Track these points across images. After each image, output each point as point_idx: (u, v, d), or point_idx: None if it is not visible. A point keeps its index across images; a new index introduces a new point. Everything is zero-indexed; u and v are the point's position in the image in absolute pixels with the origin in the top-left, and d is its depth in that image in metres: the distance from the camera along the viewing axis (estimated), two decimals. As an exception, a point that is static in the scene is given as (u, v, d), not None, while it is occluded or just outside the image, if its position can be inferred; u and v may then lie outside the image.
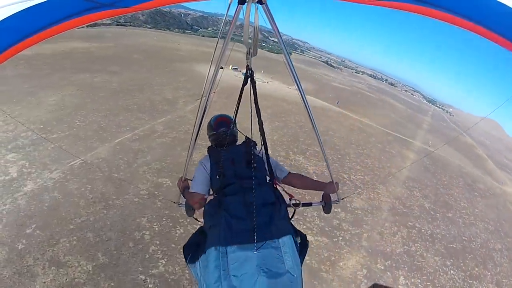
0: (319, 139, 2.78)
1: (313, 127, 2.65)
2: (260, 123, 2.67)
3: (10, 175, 8.00)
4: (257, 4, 1.68)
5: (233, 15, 1.80)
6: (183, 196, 2.90)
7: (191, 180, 2.81)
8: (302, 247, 2.51)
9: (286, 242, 2.16)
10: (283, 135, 15.10)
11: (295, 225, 2.61)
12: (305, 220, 9.25)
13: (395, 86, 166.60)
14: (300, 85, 2.33)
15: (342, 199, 3.36)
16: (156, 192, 8.61)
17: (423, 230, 10.32)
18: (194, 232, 2.66)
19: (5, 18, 1.45)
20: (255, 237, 2.05)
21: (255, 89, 2.54)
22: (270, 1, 1.70)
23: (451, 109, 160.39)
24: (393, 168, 14.80)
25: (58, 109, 13.20)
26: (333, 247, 8.51)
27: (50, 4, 1.51)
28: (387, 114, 37.92)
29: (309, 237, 8.07)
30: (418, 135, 30.04)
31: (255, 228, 2.10)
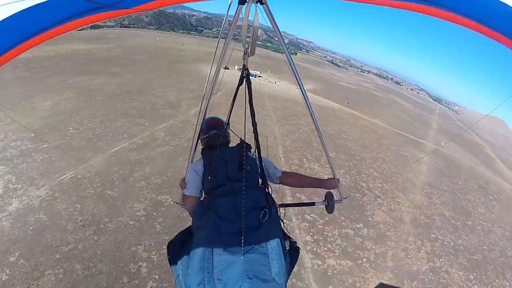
0: (320, 135, 2.76)
1: (314, 122, 2.65)
2: (254, 125, 2.65)
3: (-4, 191, 7.32)
4: (257, 4, 1.71)
5: (233, 15, 1.80)
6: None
7: None
8: (292, 254, 2.43)
9: (274, 248, 2.10)
10: (296, 140, 14.18)
11: (308, 238, 2.30)
12: (326, 240, 8.22)
13: (401, 85, 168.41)
14: (301, 81, 2.37)
15: (345, 198, 3.30)
16: (154, 213, 7.51)
17: (445, 242, 9.81)
18: (181, 230, 2.60)
19: (5, 19, 1.46)
20: (242, 242, 2.01)
21: (250, 89, 2.54)
22: (270, 1, 1.73)
23: (456, 107, 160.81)
24: (410, 173, 14.41)
25: (52, 115, 12.37)
26: (358, 271, 7.59)
27: (51, 6, 1.53)
28: (396, 114, 37.67)
29: (331, 261, 7.40)
30: (429, 136, 29.74)
31: (244, 231, 2.05)
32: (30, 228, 6.40)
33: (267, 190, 2.66)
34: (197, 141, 2.73)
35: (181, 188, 2.90)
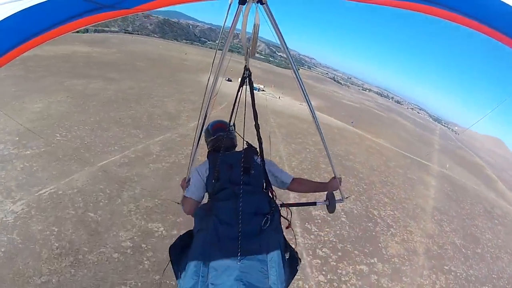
0: (320, 132, 2.78)
1: (313, 119, 2.67)
2: (257, 127, 2.67)
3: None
4: (257, 4, 1.69)
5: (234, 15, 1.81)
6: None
7: None
8: (292, 263, 2.41)
9: (274, 256, 2.07)
10: (302, 161, 13.68)
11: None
12: (340, 280, 7.39)
13: (401, 104, 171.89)
14: (302, 81, 2.30)
15: (346, 197, 3.29)
16: (143, 245, 6.51)
17: (458, 274, 9.66)
18: (181, 234, 2.58)
19: (4, 19, 1.45)
20: (239, 247, 1.99)
21: (252, 91, 2.59)
22: (270, 2, 1.72)
23: (456, 128, 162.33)
24: (419, 198, 14.36)
25: (41, 118, 11.62)
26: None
27: (51, 6, 1.53)
28: (399, 134, 38.45)
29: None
30: (432, 157, 30.12)
31: (242, 237, 2.04)
32: (2, 250, 5.56)
33: (271, 195, 2.61)
34: (198, 143, 2.68)
35: (182, 188, 2.88)
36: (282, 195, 5.63)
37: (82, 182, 8.13)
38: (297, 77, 2.29)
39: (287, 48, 2.12)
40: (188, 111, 16.70)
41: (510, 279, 10.43)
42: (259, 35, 1.87)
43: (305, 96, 2.40)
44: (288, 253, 2.41)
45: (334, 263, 7.91)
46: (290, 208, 2.90)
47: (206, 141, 3.07)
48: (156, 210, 7.73)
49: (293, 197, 8.98)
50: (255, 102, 2.64)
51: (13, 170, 7.90)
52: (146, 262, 6.09)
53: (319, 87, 71.23)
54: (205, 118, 2.53)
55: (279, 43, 2.05)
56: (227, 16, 1.88)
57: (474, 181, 25.16)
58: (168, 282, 5.40)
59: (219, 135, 2.95)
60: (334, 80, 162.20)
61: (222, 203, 2.34)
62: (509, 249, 12.72)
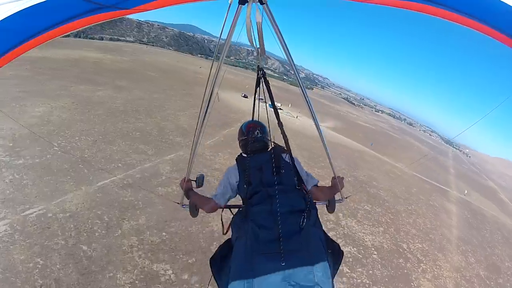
0: (319, 131, 2.79)
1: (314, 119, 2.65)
2: (280, 125, 2.68)
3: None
4: (257, 4, 1.71)
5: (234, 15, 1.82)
6: (186, 198, 2.95)
7: (195, 180, 2.94)
8: (335, 257, 2.35)
9: (316, 252, 2.05)
10: None
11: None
12: None
13: (413, 126, 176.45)
14: (305, 91, 2.38)
15: (346, 198, 3.33)
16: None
17: None
18: (221, 244, 2.49)
19: (4, 19, 1.47)
20: (281, 248, 1.99)
21: (270, 90, 2.61)
22: (270, 2, 1.76)
23: (467, 150, 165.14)
24: (444, 228, 14.42)
25: (40, 123, 10.92)
26: None
27: (51, 6, 1.56)
28: (416, 157, 39.09)
29: None
30: (450, 182, 30.58)
31: (283, 237, 2.05)
32: (-24, 278, 4.71)
33: (304, 191, 2.61)
34: (197, 145, 2.71)
35: (181, 188, 2.92)
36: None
37: (76, 204, 7.06)
38: (298, 81, 2.34)
39: (287, 48, 2.09)
40: (206, 128, 15.72)
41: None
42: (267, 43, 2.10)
43: (307, 101, 2.45)
44: (330, 248, 2.32)
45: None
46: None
47: (238, 139, 3.06)
48: (164, 247, 6.54)
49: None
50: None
51: (0, 181, 7.17)
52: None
53: (335, 108, 73.57)
54: (204, 119, 2.54)
55: (279, 43, 2.06)
56: (227, 16, 1.82)
57: (490, 206, 25.69)
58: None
59: (252, 136, 2.91)
60: (348, 101, 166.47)
61: (257, 207, 2.32)
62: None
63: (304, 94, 2.41)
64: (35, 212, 6.50)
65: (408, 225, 13.06)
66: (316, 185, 2.82)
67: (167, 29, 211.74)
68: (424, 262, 10.64)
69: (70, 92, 16.09)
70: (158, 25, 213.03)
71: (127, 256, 5.99)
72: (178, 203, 3.19)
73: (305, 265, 1.97)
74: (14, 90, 13.71)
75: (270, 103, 2.73)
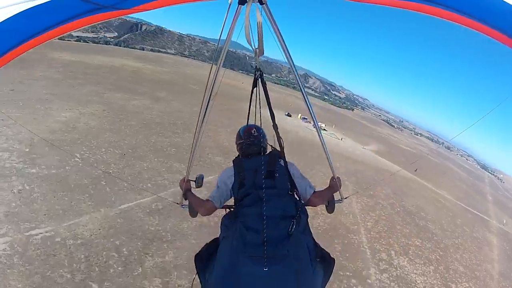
0: (318, 130, 3.03)
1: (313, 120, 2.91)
2: (275, 127, 2.94)
3: None
4: (257, 4, 1.90)
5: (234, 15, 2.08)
6: (184, 198, 3.21)
7: (194, 181, 3.25)
8: (326, 265, 2.56)
9: (302, 260, 2.27)
10: (378, 221, 12.62)
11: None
12: None
13: (451, 150, 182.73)
14: (308, 99, 2.68)
15: (345, 198, 3.60)
16: None
17: None
18: (207, 242, 2.76)
19: (5, 20, 1.63)
20: (265, 253, 2.17)
21: (266, 91, 2.85)
22: (270, 2, 1.94)
23: (501, 175, 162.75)
24: (487, 263, 13.87)
25: (64, 129, 10.64)
26: None
27: (51, 7, 1.70)
28: (456, 183, 39.95)
29: None
30: (489, 210, 30.48)
31: (270, 242, 2.23)
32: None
33: (297, 197, 2.87)
34: (196, 146, 2.99)
35: (180, 188, 3.23)
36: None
37: (91, 230, 6.26)
38: (300, 85, 2.58)
39: (287, 49, 2.28)
40: None
41: None
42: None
43: (306, 102, 2.66)
44: (319, 255, 2.49)
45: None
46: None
47: (236, 143, 3.30)
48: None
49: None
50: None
51: (8, 191, 6.73)
52: None
53: (376, 130, 75.32)
54: (203, 118, 2.77)
55: (278, 43, 2.24)
56: (226, 16, 2.00)
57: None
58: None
59: (248, 139, 3.15)
60: (387, 123, 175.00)
61: (247, 208, 2.52)
62: None
63: (303, 94, 2.58)
64: (41, 233, 5.80)
65: (456, 261, 12.44)
66: (314, 192, 2.98)
67: (208, 44, 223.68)
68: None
69: (103, 98, 16.09)
70: (200, 39, 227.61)
71: (148, 305, 5.00)
72: (177, 204, 3.41)
73: (288, 272, 2.17)
74: (41, 91, 13.76)
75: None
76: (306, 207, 2.88)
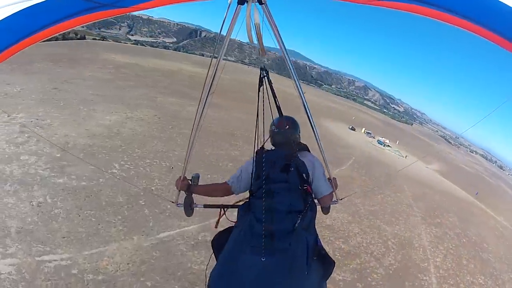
0: (315, 132, 3.12)
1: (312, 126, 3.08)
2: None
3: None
4: (257, 4, 2.02)
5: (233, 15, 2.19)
6: (189, 193, 3.33)
7: (190, 179, 3.30)
8: (325, 266, 2.71)
9: (299, 255, 2.43)
10: (446, 255, 11.98)
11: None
12: None
13: (503, 170, 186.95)
14: (303, 96, 2.90)
15: (341, 199, 3.77)
16: None
17: None
18: (222, 229, 2.97)
19: (4, 18, 1.74)
20: (263, 244, 2.37)
21: (273, 90, 3.09)
22: (270, 2, 2.05)
23: None
24: None
25: (106, 134, 10.25)
26: None
27: (49, 4, 1.81)
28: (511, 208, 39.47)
29: None
30: None
31: (275, 235, 2.45)
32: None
33: (306, 193, 2.90)
34: (195, 137, 3.08)
35: (176, 187, 3.31)
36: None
37: (118, 263, 5.33)
38: (296, 83, 2.78)
39: (285, 49, 2.43)
40: None
41: None
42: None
43: (303, 102, 2.88)
44: (317, 254, 2.61)
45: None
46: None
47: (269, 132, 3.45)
48: None
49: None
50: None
51: (26, 202, 6.27)
52: None
53: (436, 147, 76.96)
54: (201, 116, 2.89)
55: (279, 43, 2.35)
56: (226, 16, 2.13)
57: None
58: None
59: (275, 130, 3.34)
60: (445, 139, 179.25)
61: (258, 201, 2.67)
62: None
63: (296, 83, 2.79)
64: (55, 260, 5.07)
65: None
66: (327, 195, 3.11)
67: (269, 53, 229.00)
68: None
69: (155, 103, 15.90)
70: (259, 48, 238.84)
71: None
72: (172, 202, 3.49)
73: (283, 265, 2.36)
74: (87, 92, 13.74)
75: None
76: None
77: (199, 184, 3.34)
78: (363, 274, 7.77)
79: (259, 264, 2.31)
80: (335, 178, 3.47)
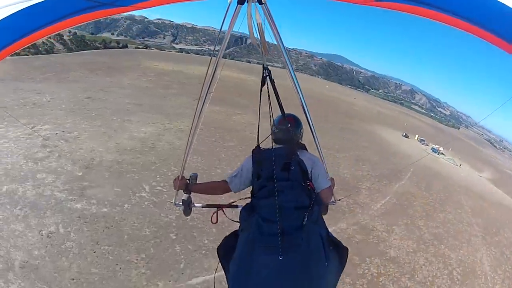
0: (314, 134, 3.11)
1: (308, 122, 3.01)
2: (286, 124, 3.16)
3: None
4: (256, 4, 2.03)
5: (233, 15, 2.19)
6: (187, 192, 3.22)
7: (188, 179, 3.19)
8: (340, 254, 2.68)
9: (315, 248, 2.36)
10: (504, 281, 10.98)
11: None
12: None
13: None
14: (301, 91, 2.78)
15: (339, 200, 3.69)
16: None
17: None
18: (227, 234, 2.84)
19: (6, 17, 1.74)
20: (280, 242, 2.28)
21: (275, 89, 3.00)
22: (269, 1, 2.04)
23: None
24: None
25: (139, 149, 9.33)
26: None
27: (49, 3, 1.80)
28: None
29: None
30: None
31: (285, 232, 2.34)
32: None
33: (310, 189, 2.88)
34: (193, 137, 2.97)
35: (174, 187, 3.20)
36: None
37: None
38: (293, 80, 2.68)
39: (284, 48, 2.40)
40: (371, 180, 13.58)
41: None
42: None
43: (302, 102, 2.80)
44: (332, 244, 2.57)
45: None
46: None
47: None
48: None
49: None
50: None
51: (35, 231, 5.65)
52: None
53: (484, 152, 74.87)
54: (200, 114, 2.79)
55: (278, 43, 2.36)
56: (225, 16, 2.11)
57: None
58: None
59: (277, 127, 3.25)
60: (490, 143, 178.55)
61: (263, 200, 2.61)
62: None
63: (292, 75, 2.66)
64: None
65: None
66: (325, 188, 3.01)
67: (315, 58, 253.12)
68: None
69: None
70: (306, 53, 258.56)
71: None
72: (171, 202, 3.45)
73: (302, 261, 2.26)
74: (123, 101, 13.12)
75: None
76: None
77: (197, 183, 3.22)
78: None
79: (277, 263, 2.22)
80: (333, 179, 3.26)
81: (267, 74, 2.84)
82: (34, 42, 2.16)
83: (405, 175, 17.43)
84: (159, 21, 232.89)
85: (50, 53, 59.68)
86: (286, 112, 3.22)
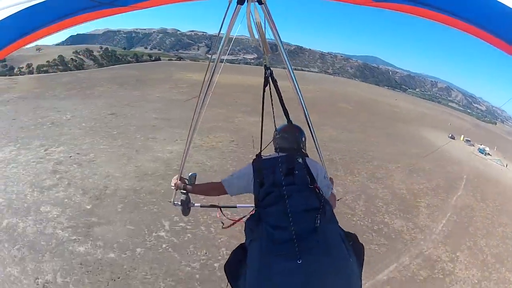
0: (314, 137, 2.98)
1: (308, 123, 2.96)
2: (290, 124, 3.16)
3: None
4: (256, 4, 2.00)
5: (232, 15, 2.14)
6: (185, 193, 3.15)
7: (187, 178, 3.10)
8: (357, 250, 2.42)
9: (335, 246, 2.20)
10: None
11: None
12: None
13: None
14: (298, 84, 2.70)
15: (338, 200, 3.38)
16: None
17: None
18: (234, 249, 2.52)
19: (7, 17, 1.74)
20: (296, 246, 2.09)
21: (278, 89, 2.86)
22: (269, 1, 2.03)
23: None
24: None
25: (162, 172, 8.36)
26: None
27: (50, 3, 1.80)
28: None
29: None
30: None
31: (298, 237, 2.15)
32: None
33: (317, 190, 2.65)
34: (192, 137, 2.92)
35: (173, 187, 3.14)
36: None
37: None
38: (291, 75, 2.64)
39: (283, 48, 2.37)
40: (429, 194, 12.29)
41: None
42: None
43: (301, 101, 2.72)
44: (350, 239, 2.38)
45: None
46: None
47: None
48: None
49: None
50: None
51: (30, 278, 5.17)
52: None
53: None
54: (200, 113, 2.79)
55: (277, 43, 2.34)
56: (225, 16, 2.11)
57: None
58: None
59: (278, 135, 3.16)
60: None
61: (270, 208, 2.42)
62: None
63: (298, 93, 2.65)
64: None
65: None
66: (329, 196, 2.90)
67: (350, 60, 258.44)
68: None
69: (233, 124, 14.21)
70: (341, 56, 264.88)
71: None
72: (170, 201, 3.38)
73: (324, 261, 2.06)
74: (149, 116, 12.33)
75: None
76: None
77: (195, 183, 3.00)
78: None
79: (298, 268, 1.95)
80: (331, 178, 2.87)
81: (269, 73, 2.67)
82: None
83: (460, 184, 16.58)
84: (192, 33, 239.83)
85: (79, 69, 61.09)
86: (289, 111, 3.02)
